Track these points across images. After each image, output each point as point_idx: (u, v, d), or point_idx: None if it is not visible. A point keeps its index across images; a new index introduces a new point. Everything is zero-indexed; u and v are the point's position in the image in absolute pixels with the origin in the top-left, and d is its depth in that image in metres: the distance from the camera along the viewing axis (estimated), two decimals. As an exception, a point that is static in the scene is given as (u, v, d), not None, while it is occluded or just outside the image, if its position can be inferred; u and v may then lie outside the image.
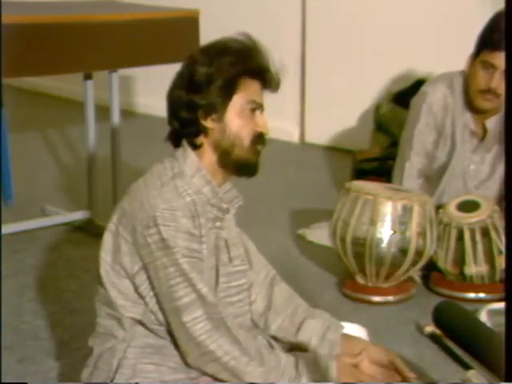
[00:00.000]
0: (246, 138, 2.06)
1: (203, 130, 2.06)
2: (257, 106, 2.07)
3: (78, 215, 3.92)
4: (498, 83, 3.15)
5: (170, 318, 1.98)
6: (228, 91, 2.03)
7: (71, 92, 6.41)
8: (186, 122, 2.06)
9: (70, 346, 2.75)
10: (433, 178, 3.37)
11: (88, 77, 3.82)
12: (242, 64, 2.03)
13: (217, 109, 2.04)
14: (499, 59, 3.10)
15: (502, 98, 3.18)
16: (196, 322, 1.94)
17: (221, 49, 2.05)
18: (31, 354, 2.71)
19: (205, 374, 2.00)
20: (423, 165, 3.33)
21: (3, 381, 2.43)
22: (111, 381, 2.02)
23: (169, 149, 2.16)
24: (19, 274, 3.34)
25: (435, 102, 3.32)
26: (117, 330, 2.05)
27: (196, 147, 2.07)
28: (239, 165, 2.07)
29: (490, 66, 3.15)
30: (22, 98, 6.58)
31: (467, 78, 3.27)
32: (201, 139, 2.07)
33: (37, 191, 4.43)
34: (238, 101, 2.05)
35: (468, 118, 3.33)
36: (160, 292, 1.98)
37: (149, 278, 1.99)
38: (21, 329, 2.89)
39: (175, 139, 2.11)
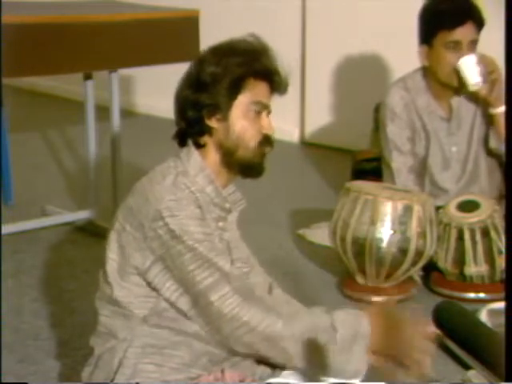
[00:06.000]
0: (252, 140, 2.06)
1: (208, 130, 2.06)
2: (262, 108, 2.08)
3: (79, 215, 3.91)
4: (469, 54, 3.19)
5: (195, 302, 1.97)
6: (233, 91, 2.04)
7: (71, 92, 6.40)
8: (191, 122, 2.07)
9: (70, 346, 2.75)
10: (420, 174, 3.40)
11: (88, 77, 3.82)
12: (249, 65, 2.04)
13: (221, 108, 2.04)
14: (461, 34, 3.17)
15: None
16: (225, 298, 1.94)
17: (229, 49, 2.06)
18: (31, 354, 2.71)
19: (234, 353, 2.00)
20: (409, 161, 3.36)
21: (3, 381, 2.43)
22: (111, 380, 2.03)
23: (169, 148, 2.16)
24: (19, 274, 3.34)
25: (395, 104, 3.38)
26: (119, 329, 2.05)
27: (200, 146, 2.08)
28: (243, 165, 2.08)
29: (454, 44, 3.19)
30: (22, 98, 6.57)
31: (431, 69, 3.30)
32: (205, 139, 2.07)
33: (37, 191, 4.42)
34: (242, 101, 2.05)
35: (433, 105, 3.36)
36: (181, 278, 1.97)
37: (164, 269, 1.98)
38: (21, 329, 2.89)
39: (181, 139, 2.11)
